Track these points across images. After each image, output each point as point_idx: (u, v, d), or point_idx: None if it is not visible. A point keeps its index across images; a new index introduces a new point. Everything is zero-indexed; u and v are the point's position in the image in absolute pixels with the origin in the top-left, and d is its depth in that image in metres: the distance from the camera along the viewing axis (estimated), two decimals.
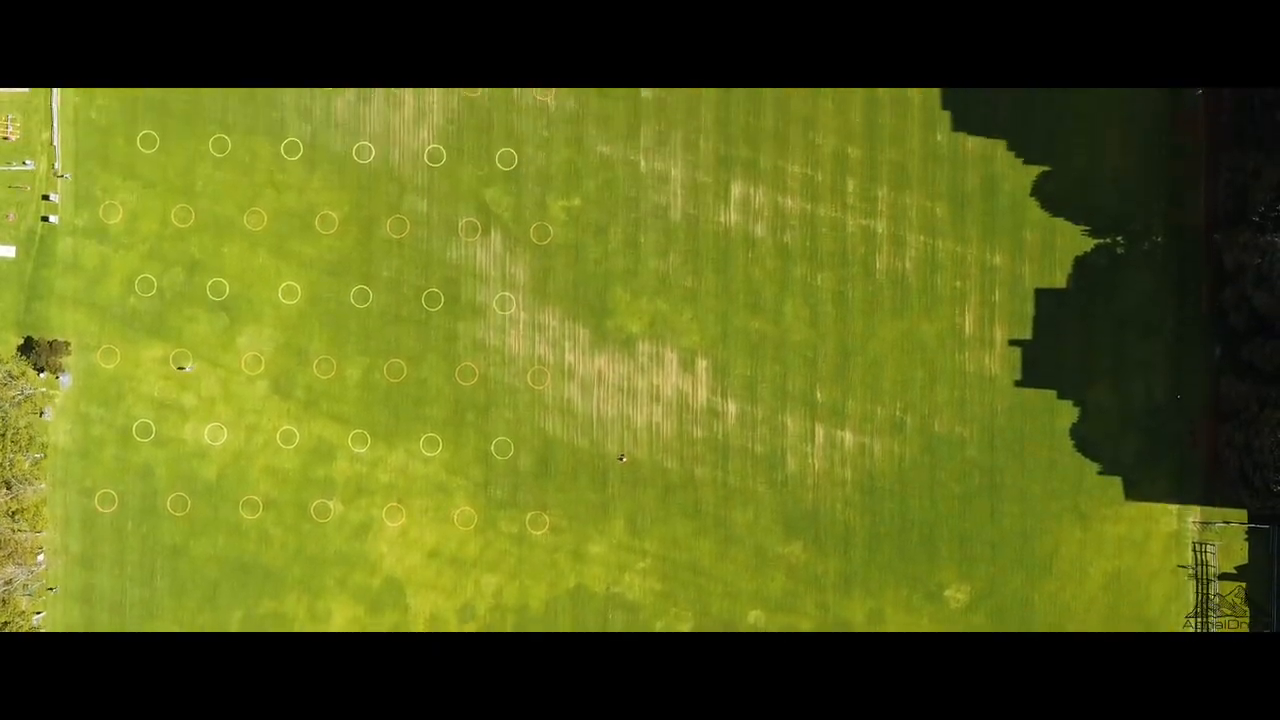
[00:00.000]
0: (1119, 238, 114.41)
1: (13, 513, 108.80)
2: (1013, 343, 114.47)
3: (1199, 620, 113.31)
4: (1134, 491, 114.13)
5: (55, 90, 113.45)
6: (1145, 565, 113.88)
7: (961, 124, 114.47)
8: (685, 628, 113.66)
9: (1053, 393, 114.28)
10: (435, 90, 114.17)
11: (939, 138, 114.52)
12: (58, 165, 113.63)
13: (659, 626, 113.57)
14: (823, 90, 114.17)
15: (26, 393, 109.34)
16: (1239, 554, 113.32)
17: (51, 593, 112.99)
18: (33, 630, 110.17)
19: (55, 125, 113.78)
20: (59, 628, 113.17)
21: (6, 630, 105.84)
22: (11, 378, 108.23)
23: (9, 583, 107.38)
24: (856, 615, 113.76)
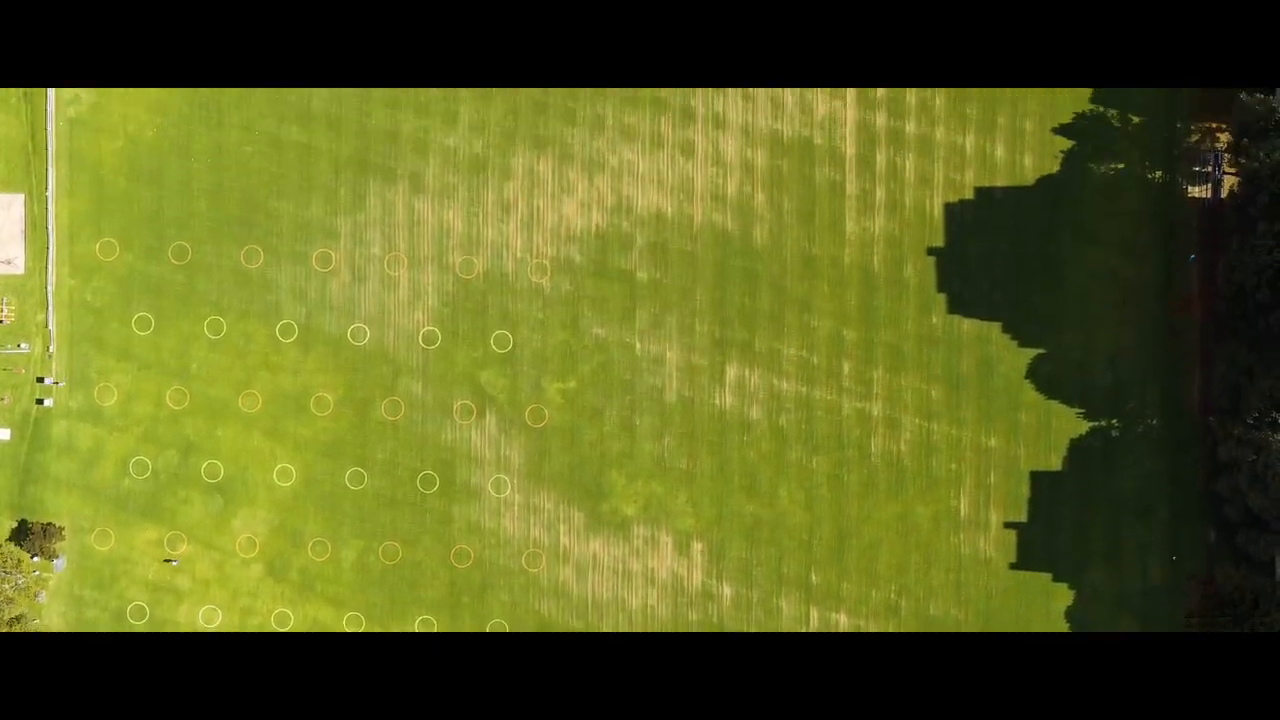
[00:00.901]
0: (1114, 420, 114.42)
1: None
2: (1008, 525, 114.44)
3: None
4: None
5: (50, 271, 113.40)
6: None
7: (957, 306, 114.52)
8: None
9: (1048, 575, 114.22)
10: (430, 271, 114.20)
11: (934, 320, 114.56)
12: (52, 348, 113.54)
13: None
14: (819, 272, 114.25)
15: (19, 584, 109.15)
16: None
17: None
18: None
19: (50, 307, 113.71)
20: None
21: None
22: (5, 572, 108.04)
23: None
24: None
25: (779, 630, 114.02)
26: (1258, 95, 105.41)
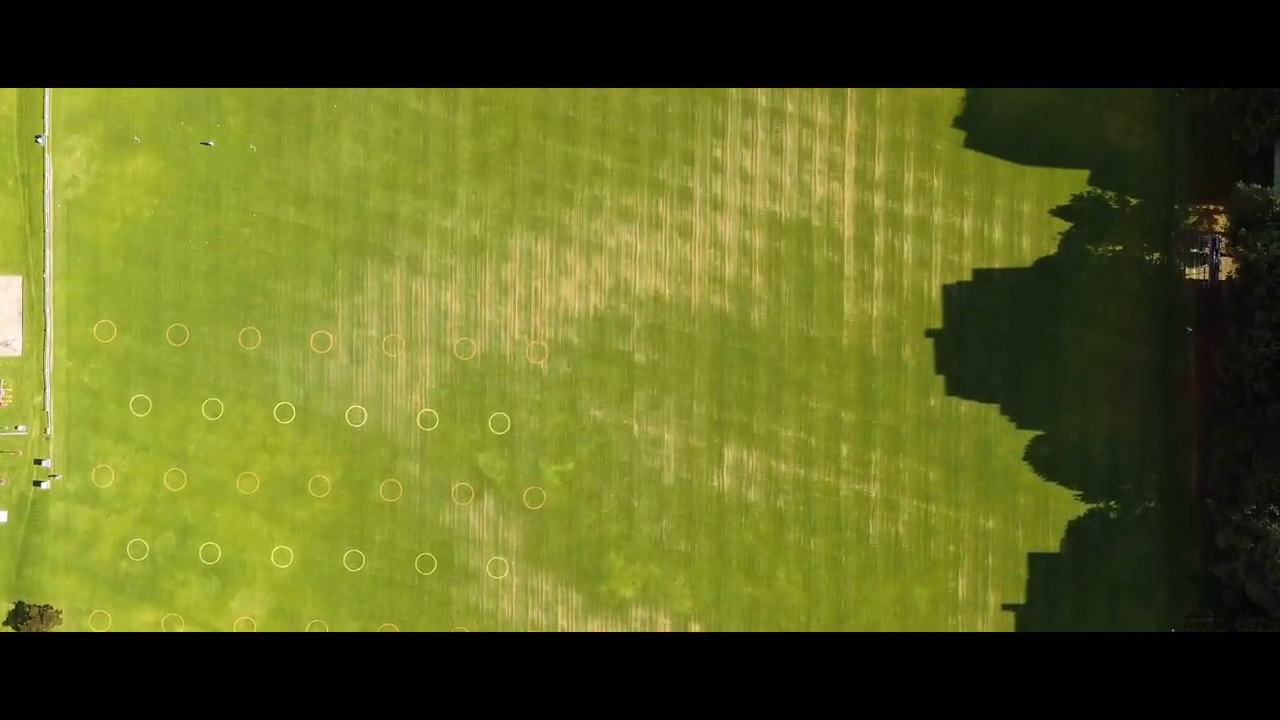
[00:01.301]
0: (1112, 501, 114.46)
1: None
2: (1006, 606, 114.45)
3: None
4: None
5: (48, 353, 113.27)
6: None
7: (955, 388, 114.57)
8: None
9: None
10: (428, 353, 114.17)
11: (932, 402, 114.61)
12: (49, 430, 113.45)
13: None
14: (817, 354, 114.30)
15: None
16: None
17: None
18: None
19: (48, 389, 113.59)
20: None
21: None
22: None
23: None
24: None
25: None
26: (1255, 185, 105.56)
